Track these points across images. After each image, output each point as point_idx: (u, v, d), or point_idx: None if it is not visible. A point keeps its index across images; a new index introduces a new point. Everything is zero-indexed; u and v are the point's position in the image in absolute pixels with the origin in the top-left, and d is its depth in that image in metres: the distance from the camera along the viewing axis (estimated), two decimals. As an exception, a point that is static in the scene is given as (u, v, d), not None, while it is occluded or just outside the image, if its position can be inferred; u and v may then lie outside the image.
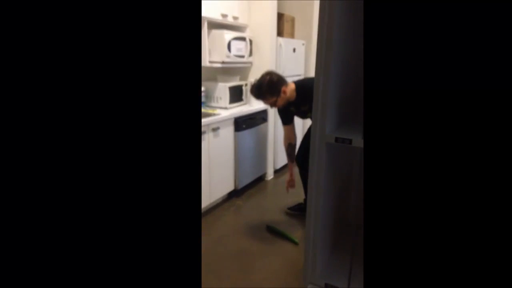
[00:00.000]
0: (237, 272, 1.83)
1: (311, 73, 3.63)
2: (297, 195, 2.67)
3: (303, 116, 2.13)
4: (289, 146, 2.23)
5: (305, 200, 2.45)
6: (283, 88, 1.86)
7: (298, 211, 2.49)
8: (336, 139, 0.74)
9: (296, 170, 2.35)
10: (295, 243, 2.11)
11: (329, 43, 0.70)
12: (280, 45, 2.96)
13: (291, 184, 2.37)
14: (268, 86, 1.83)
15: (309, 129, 2.23)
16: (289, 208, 2.51)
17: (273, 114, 3.06)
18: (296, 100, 1.95)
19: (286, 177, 3.21)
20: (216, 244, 2.10)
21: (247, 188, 2.92)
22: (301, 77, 3.37)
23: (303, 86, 1.92)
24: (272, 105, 1.94)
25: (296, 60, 3.30)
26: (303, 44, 3.36)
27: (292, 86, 1.93)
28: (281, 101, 1.90)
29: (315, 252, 0.71)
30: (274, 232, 2.23)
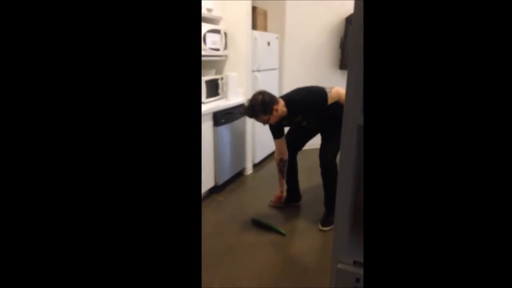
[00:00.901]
0: (228, 267, 1.80)
1: (286, 67, 3.66)
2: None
3: (298, 125, 2.17)
4: (281, 161, 2.23)
5: (288, 190, 2.48)
6: (274, 107, 1.94)
7: (283, 204, 2.50)
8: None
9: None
10: (282, 234, 2.11)
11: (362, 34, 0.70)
12: (255, 38, 2.94)
13: (280, 199, 2.34)
14: (261, 105, 1.91)
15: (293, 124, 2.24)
16: (273, 201, 2.51)
17: (250, 108, 3.04)
18: (288, 114, 2.02)
19: (263, 172, 3.23)
20: (203, 240, 2.05)
21: (227, 184, 2.87)
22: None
23: (292, 100, 2.02)
24: (265, 122, 2.01)
25: (271, 54, 3.30)
26: (276, 38, 3.37)
27: (282, 103, 1.99)
28: (273, 119, 1.97)
29: (344, 233, 0.71)
30: (259, 225, 2.22)
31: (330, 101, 2.01)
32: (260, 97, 1.92)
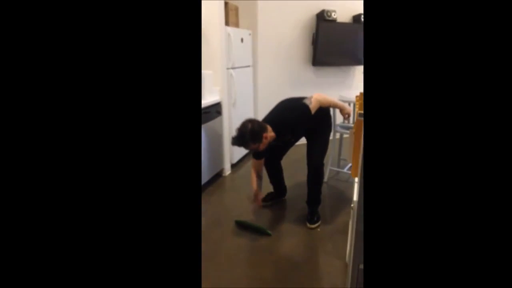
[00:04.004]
0: (215, 272, 1.72)
1: (260, 64, 3.61)
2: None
3: (285, 143, 2.15)
4: (257, 176, 2.22)
5: (274, 188, 2.50)
6: (264, 135, 1.89)
7: (270, 201, 2.48)
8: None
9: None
10: (268, 235, 2.06)
11: None
12: (229, 34, 2.86)
13: (258, 198, 2.26)
14: (251, 135, 1.86)
15: None
16: (261, 200, 2.46)
17: (227, 107, 2.96)
18: (276, 137, 1.99)
19: (242, 171, 3.16)
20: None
21: (206, 186, 2.78)
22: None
23: (279, 123, 1.98)
24: (255, 150, 1.98)
25: (244, 51, 3.24)
26: (249, 34, 3.31)
27: (269, 128, 1.95)
28: (263, 146, 1.93)
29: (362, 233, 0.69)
30: (244, 226, 2.16)
31: (313, 112, 2.01)
32: (250, 125, 1.86)
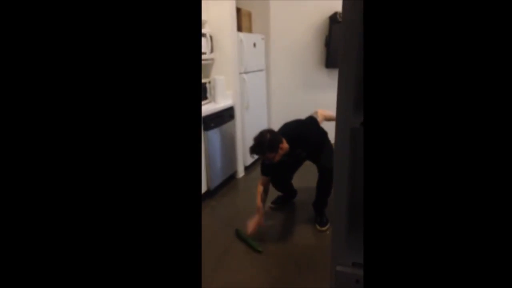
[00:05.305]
0: (225, 272, 1.79)
1: (272, 68, 3.66)
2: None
3: (296, 158, 2.20)
4: (264, 193, 2.22)
5: (284, 194, 2.57)
6: (280, 145, 1.98)
7: (281, 204, 2.55)
8: (362, 124, 0.73)
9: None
10: (258, 252, 1.97)
11: (351, 35, 0.69)
12: (241, 40, 2.93)
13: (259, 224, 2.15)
14: (269, 144, 1.95)
15: None
16: (272, 203, 2.53)
17: (240, 111, 3.03)
18: (289, 150, 2.06)
19: (255, 174, 3.21)
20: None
21: (220, 188, 2.85)
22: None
23: (293, 137, 2.06)
24: (270, 160, 2.04)
25: (257, 55, 3.30)
26: (262, 39, 3.36)
27: (284, 140, 2.03)
28: (278, 157, 2.01)
29: (342, 235, 0.71)
30: (240, 238, 2.11)
31: (320, 124, 2.18)
32: (269, 135, 1.96)
